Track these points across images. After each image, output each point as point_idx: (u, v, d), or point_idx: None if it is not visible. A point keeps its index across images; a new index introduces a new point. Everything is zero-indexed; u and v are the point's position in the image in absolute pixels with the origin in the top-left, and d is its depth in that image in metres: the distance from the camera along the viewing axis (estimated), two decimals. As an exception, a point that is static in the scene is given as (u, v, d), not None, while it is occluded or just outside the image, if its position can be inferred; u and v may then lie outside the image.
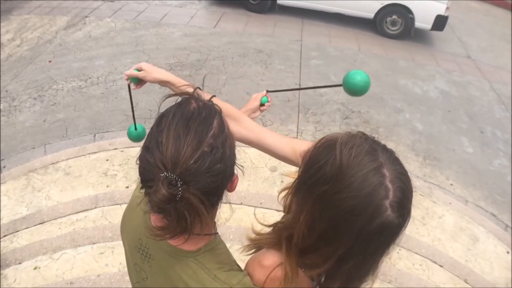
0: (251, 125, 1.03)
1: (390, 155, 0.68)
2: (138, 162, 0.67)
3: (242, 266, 0.81)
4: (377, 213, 0.63)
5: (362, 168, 0.64)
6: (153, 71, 1.03)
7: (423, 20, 6.02)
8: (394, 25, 6.23)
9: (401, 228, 0.66)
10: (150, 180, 0.63)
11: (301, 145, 0.99)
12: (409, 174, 0.69)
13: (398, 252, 2.70)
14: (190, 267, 0.74)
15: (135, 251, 0.82)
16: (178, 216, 0.63)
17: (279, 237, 0.78)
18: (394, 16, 6.14)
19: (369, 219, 0.63)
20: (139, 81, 1.06)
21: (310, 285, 0.78)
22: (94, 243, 2.50)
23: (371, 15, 6.24)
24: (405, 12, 6.05)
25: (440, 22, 5.99)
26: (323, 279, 0.77)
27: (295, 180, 0.76)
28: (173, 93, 0.74)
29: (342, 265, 0.70)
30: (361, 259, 0.69)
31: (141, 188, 0.67)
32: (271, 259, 0.77)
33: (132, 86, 1.06)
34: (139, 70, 1.03)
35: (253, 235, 0.87)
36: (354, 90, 0.99)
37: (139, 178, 0.67)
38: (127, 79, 1.04)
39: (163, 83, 1.03)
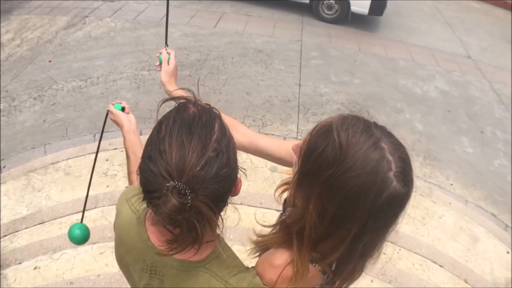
0: (245, 130, 1.05)
1: (384, 130, 0.71)
2: (138, 172, 0.65)
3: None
4: (384, 186, 0.65)
5: (362, 146, 0.66)
6: (171, 82, 1.22)
7: (359, 4, 5.94)
8: (330, 9, 6.20)
9: (408, 197, 0.69)
10: (155, 191, 0.60)
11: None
12: None
13: (398, 252, 2.70)
14: (202, 277, 0.72)
15: (142, 272, 0.79)
16: (188, 226, 0.61)
17: (287, 234, 0.78)
18: (328, 0, 6.10)
19: (377, 193, 0.65)
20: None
21: (322, 279, 0.79)
22: (94, 243, 2.50)
23: None
24: None
25: (377, 7, 5.90)
26: (334, 266, 0.77)
27: (295, 173, 0.76)
28: (170, 97, 0.73)
29: (356, 245, 0.71)
30: (374, 234, 0.71)
31: (143, 200, 0.65)
32: (281, 257, 0.78)
33: (157, 63, 1.24)
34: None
35: (255, 238, 0.86)
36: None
37: (142, 190, 0.65)
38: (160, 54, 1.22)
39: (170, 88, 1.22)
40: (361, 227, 0.68)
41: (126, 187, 0.98)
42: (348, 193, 0.66)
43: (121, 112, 1.18)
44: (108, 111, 1.19)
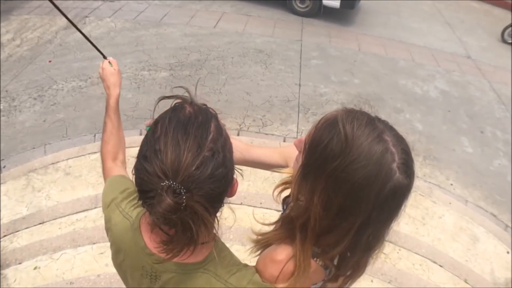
0: (237, 142, 1.06)
1: (386, 123, 0.73)
2: (133, 172, 0.64)
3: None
4: (389, 177, 0.66)
5: (367, 138, 0.68)
6: None
7: None
8: (303, 2, 6.29)
9: (410, 188, 0.70)
10: (150, 190, 0.60)
11: (289, 148, 1.00)
12: None
13: (398, 252, 2.70)
14: (202, 278, 0.72)
15: (142, 278, 0.79)
16: (183, 226, 0.61)
17: (290, 230, 0.79)
18: None
19: (382, 185, 0.66)
20: None
21: (324, 274, 0.79)
22: (94, 243, 2.50)
23: None
24: None
25: (349, 0, 5.99)
26: (337, 261, 0.78)
27: (299, 167, 0.77)
28: (168, 95, 0.72)
29: (360, 237, 0.72)
30: (378, 226, 0.72)
31: (139, 199, 0.65)
32: (283, 253, 0.78)
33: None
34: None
35: (255, 237, 0.87)
36: None
37: (138, 190, 0.64)
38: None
39: None
40: (365, 218, 0.69)
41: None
42: (354, 184, 0.67)
43: None
44: (107, 58, 1.15)
